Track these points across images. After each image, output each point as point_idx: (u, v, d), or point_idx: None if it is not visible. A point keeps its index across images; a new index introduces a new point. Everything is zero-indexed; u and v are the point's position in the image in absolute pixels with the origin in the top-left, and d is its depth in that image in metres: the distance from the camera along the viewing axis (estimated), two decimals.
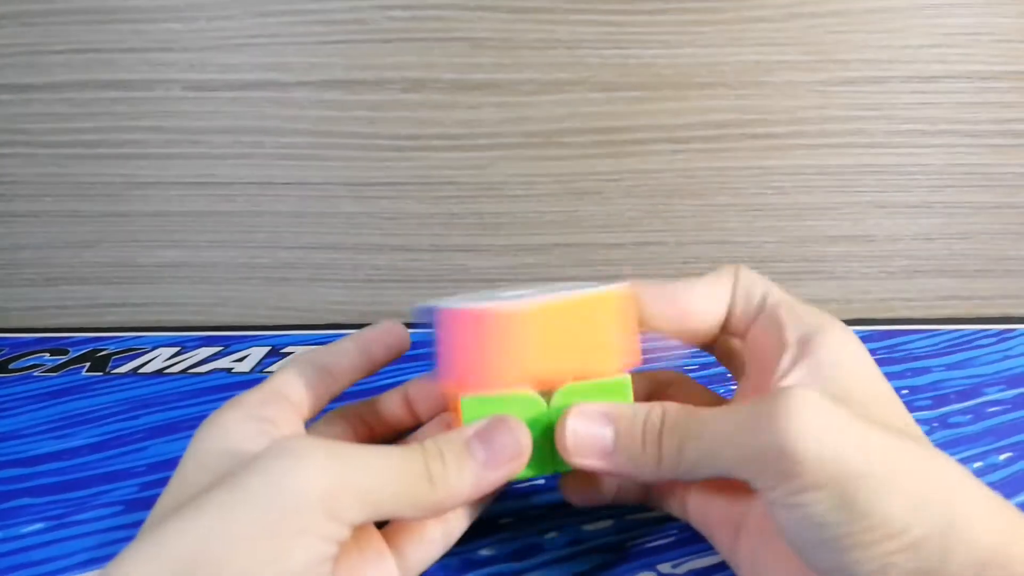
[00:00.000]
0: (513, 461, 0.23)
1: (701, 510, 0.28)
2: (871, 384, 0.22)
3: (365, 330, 0.29)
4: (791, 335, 0.23)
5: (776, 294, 0.25)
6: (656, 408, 0.23)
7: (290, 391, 0.26)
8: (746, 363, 0.26)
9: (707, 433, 0.22)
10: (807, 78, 0.40)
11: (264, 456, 0.20)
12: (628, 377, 0.25)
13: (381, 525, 0.27)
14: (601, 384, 0.24)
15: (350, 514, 0.20)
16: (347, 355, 0.28)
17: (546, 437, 0.24)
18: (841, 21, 0.38)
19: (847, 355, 0.22)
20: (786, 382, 0.22)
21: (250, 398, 0.25)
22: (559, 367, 0.24)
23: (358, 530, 0.26)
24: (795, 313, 0.24)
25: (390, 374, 0.30)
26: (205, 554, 0.18)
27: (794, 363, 0.23)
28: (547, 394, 0.24)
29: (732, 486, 0.26)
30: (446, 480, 0.22)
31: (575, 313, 0.24)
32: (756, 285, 0.25)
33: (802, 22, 0.38)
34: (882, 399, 0.22)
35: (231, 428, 0.23)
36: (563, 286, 0.27)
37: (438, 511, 0.22)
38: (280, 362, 0.28)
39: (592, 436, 0.23)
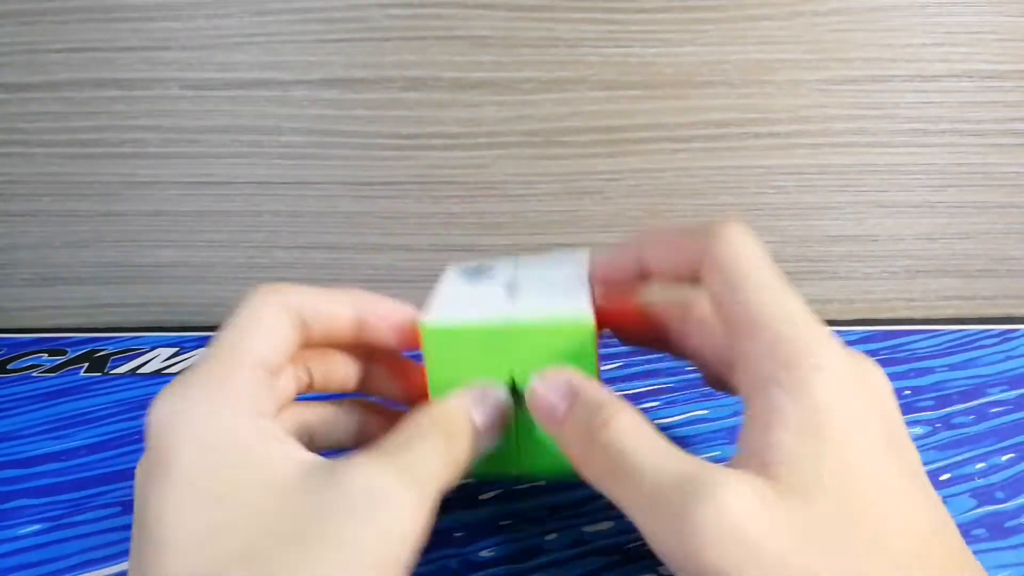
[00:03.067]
0: (495, 428, 0.23)
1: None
2: (877, 430, 0.19)
3: (374, 304, 0.25)
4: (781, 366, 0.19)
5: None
6: (610, 408, 0.21)
7: (258, 352, 0.22)
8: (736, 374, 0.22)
9: (633, 478, 0.19)
10: (809, 77, 0.40)
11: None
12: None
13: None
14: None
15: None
16: (338, 320, 0.25)
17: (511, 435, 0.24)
18: (843, 19, 0.38)
19: (847, 397, 0.19)
20: (774, 436, 0.18)
21: (224, 388, 0.21)
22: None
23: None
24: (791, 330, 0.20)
25: None
26: None
27: (778, 412, 0.19)
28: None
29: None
30: (459, 458, 0.22)
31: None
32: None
33: (804, 20, 0.38)
34: (890, 444, 0.19)
35: (237, 438, 0.20)
36: (557, 260, 0.28)
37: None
38: (255, 294, 0.23)
39: (549, 403, 0.23)
